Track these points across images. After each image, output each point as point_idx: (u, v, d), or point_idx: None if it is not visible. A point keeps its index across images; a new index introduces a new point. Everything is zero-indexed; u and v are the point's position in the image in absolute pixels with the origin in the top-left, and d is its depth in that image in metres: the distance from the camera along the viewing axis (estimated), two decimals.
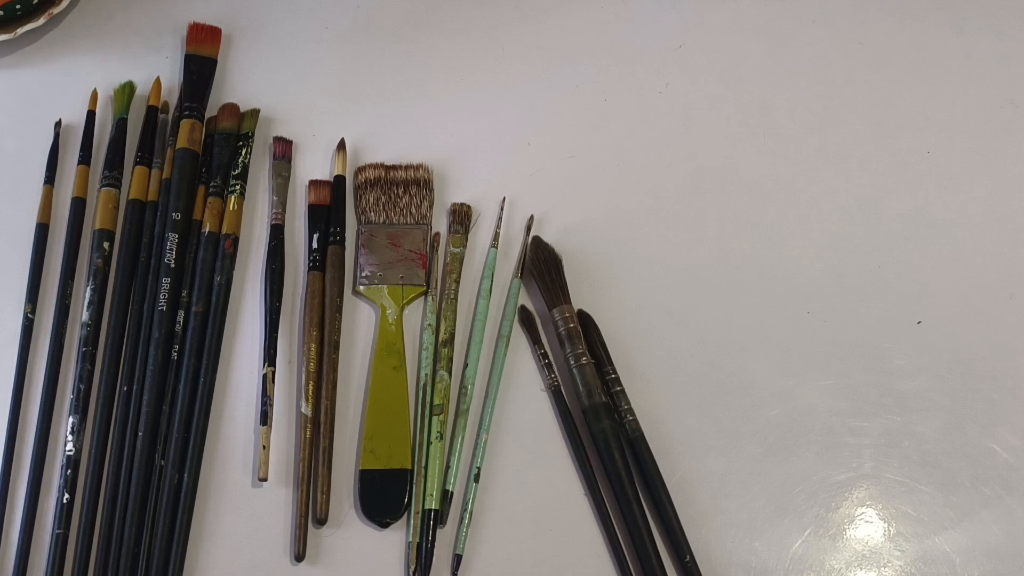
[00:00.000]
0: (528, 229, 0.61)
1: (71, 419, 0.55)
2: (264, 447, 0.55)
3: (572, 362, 0.56)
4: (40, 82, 0.66)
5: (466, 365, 0.57)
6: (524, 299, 0.60)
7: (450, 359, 0.57)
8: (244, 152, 0.62)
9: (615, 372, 0.57)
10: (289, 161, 0.63)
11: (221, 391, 0.57)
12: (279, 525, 0.54)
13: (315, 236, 0.60)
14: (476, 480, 0.55)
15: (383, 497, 0.54)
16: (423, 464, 0.55)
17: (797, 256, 0.61)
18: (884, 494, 0.55)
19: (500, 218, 0.61)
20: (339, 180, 0.62)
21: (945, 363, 0.58)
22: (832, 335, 0.58)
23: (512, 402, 0.57)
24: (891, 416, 0.57)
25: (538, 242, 0.60)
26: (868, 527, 0.54)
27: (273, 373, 0.57)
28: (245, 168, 0.62)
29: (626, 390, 0.56)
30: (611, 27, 0.68)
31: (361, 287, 0.59)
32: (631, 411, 0.56)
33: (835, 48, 0.67)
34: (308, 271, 0.60)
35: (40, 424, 0.56)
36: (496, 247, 0.61)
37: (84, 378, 0.56)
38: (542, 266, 0.59)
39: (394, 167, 0.62)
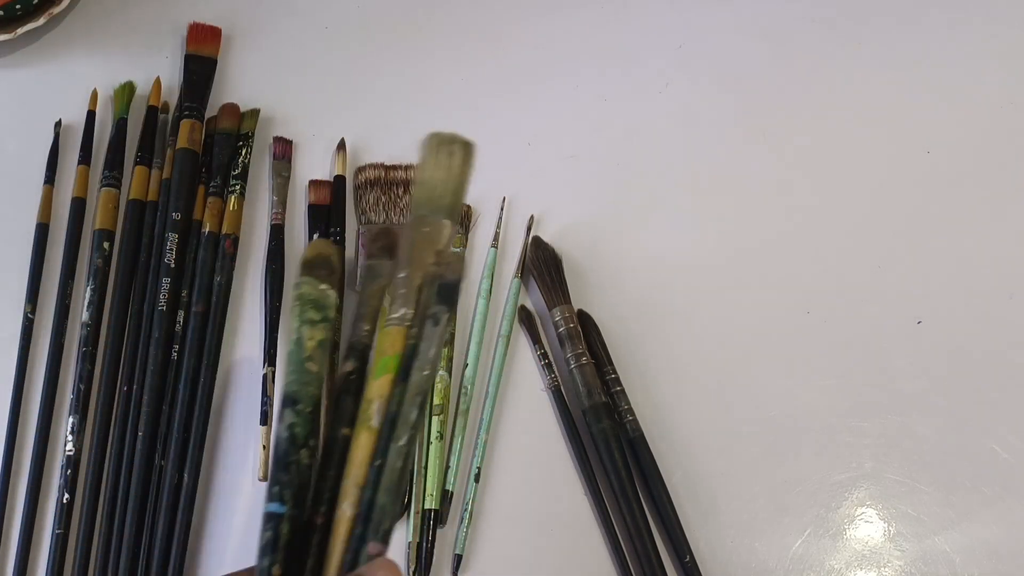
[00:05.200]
0: (528, 229, 0.61)
1: (71, 419, 0.55)
2: (264, 447, 0.55)
3: (572, 362, 0.56)
4: (40, 82, 0.66)
5: (466, 365, 0.57)
6: (524, 299, 0.60)
7: (450, 359, 0.57)
8: (244, 152, 0.62)
9: (615, 372, 0.57)
10: (289, 161, 0.63)
11: (221, 391, 0.57)
12: None
13: (315, 236, 0.60)
14: (476, 480, 0.55)
15: None
16: (423, 464, 0.55)
17: (797, 256, 0.61)
18: (884, 494, 0.55)
19: (500, 218, 0.61)
20: (339, 180, 0.62)
21: (945, 363, 0.58)
22: (832, 335, 0.58)
23: (512, 402, 0.57)
24: (891, 416, 0.57)
25: (538, 242, 0.60)
26: (868, 527, 0.54)
27: (273, 373, 0.57)
28: (245, 168, 0.62)
29: (626, 390, 0.56)
30: (611, 27, 0.67)
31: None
32: (631, 411, 0.56)
33: (835, 48, 0.67)
34: None
35: (40, 424, 0.56)
36: (496, 247, 0.61)
37: (84, 378, 0.56)
38: (542, 266, 0.59)
39: (394, 167, 0.62)
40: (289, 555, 0.37)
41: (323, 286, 0.43)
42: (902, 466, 0.55)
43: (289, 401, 0.40)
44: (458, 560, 0.53)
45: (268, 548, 0.37)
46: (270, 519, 0.37)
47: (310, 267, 0.44)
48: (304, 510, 0.38)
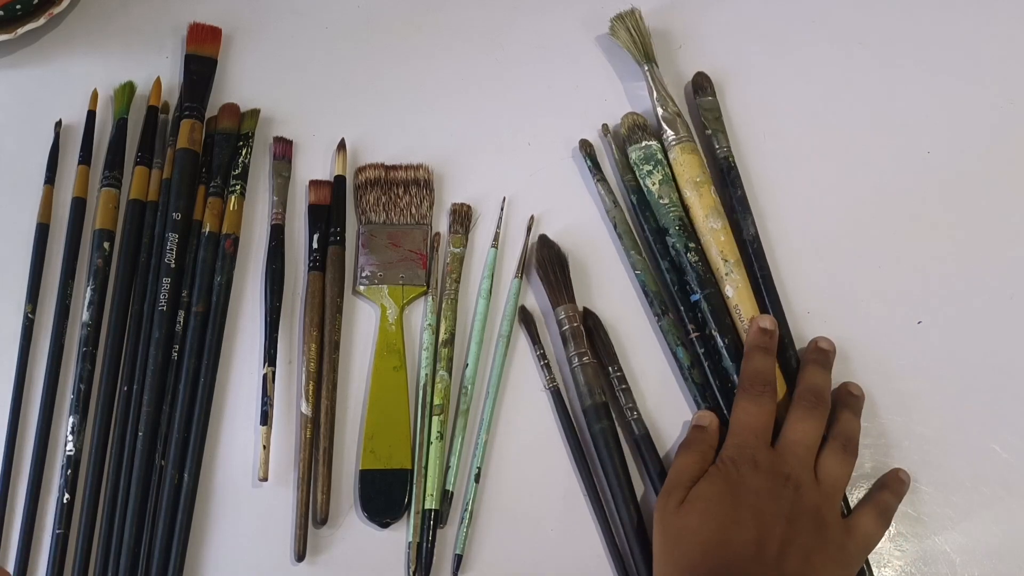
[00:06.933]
0: (529, 229, 0.61)
1: (71, 419, 0.55)
2: (264, 447, 0.55)
3: (574, 361, 0.56)
4: (40, 82, 0.66)
5: (466, 365, 0.57)
6: (524, 299, 0.60)
7: (450, 359, 0.57)
8: (244, 152, 0.62)
9: (621, 370, 0.56)
10: (289, 161, 0.63)
11: (221, 391, 0.57)
12: (279, 525, 0.54)
13: (315, 236, 0.60)
14: (476, 480, 0.55)
15: (383, 497, 0.54)
16: (423, 464, 0.55)
17: (797, 256, 0.61)
18: None
19: (500, 218, 0.61)
20: (339, 180, 0.62)
21: (945, 363, 0.58)
22: (832, 335, 0.58)
23: (512, 402, 0.57)
24: (891, 416, 0.57)
25: (544, 240, 0.60)
26: None
27: (273, 373, 0.57)
28: (245, 168, 0.62)
29: (631, 388, 0.56)
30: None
31: (361, 287, 0.59)
32: (635, 409, 0.55)
33: (835, 48, 0.67)
34: (308, 271, 0.60)
35: (40, 424, 0.56)
36: (496, 247, 0.61)
37: (84, 378, 0.56)
38: (547, 265, 0.59)
39: (394, 167, 0.62)
40: None
41: (644, 143, 0.60)
42: (902, 466, 0.55)
43: (664, 232, 0.58)
44: (458, 560, 0.53)
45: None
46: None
47: (630, 138, 0.61)
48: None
